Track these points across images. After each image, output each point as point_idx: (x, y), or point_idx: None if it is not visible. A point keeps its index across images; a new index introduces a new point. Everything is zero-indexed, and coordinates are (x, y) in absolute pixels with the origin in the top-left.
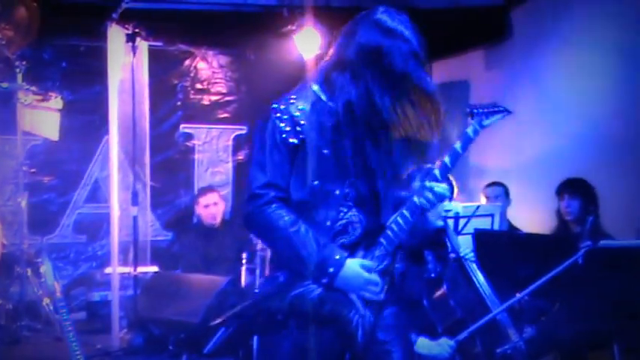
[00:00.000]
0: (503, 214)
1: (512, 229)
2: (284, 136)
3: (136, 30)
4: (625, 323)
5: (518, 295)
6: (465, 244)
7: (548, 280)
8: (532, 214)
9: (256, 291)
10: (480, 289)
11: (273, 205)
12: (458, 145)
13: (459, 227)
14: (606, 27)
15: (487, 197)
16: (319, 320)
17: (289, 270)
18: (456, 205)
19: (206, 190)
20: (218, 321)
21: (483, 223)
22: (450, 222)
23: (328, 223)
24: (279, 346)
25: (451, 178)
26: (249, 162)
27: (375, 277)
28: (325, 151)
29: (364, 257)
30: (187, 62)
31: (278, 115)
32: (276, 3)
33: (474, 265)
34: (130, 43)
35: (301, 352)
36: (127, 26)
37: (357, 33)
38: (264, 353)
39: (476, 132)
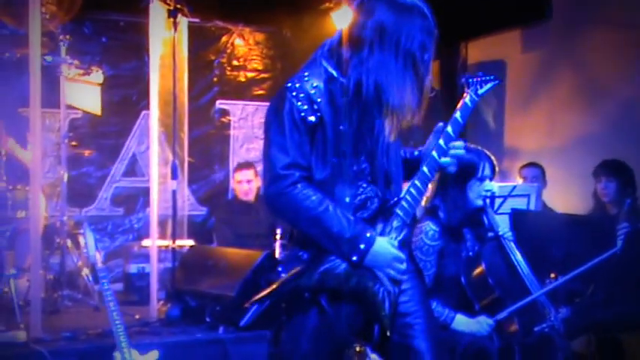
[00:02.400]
0: (538, 195)
1: (547, 210)
2: (302, 114)
3: (178, 6)
4: None
5: (555, 277)
6: (503, 224)
7: (584, 263)
8: (567, 196)
9: (279, 269)
10: (518, 268)
11: (299, 185)
12: (458, 114)
13: (495, 206)
14: None
15: (524, 178)
16: (347, 295)
17: (312, 247)
18: (493, 185)
19: (242, 166)
20: (248, 304)
21: (519, 204)
22: (487, 201)
23: (347, 200)
24: (306, 323)
25: (492, 158)
26: (267, 143)
27: (402, 254)
28: (341, 128)
29: (383, 229)
30: (224, 39)
31: (294, 94)
32: None
33: (512, 244)
34: (172, 19)
35: (329, 327)
36: (168, 2)
37: (374, 11)
38: (292, 330)
39: (473, 101)
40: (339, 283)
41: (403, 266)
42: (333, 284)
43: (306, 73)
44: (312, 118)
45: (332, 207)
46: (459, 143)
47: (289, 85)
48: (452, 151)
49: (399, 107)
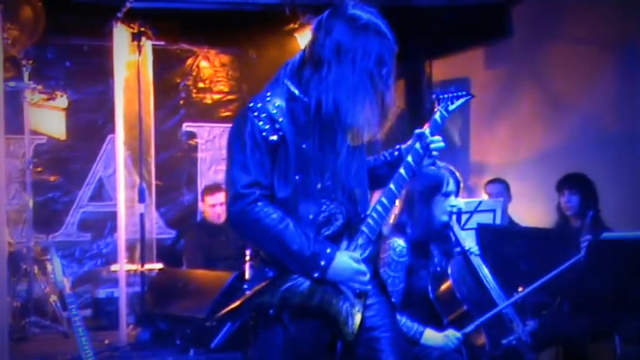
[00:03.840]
0: (504, 210)
1: (513, 225)
2: (264, 134)
3: (142, 29)
4: (626, 314)
5: (523, 290)
6: (469, 239)
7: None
8: (532, 210)
9: (245, 287)
10: (485, 282)
11: (260, 204)
12: (427, 131)
13: (462, 222)
14: (607, 24)
15: (489, 194)
16: (310, 312)
17: (277, 265)
18: (459, 201)
19: (214, 189)
20: (210, 319)
21: (485, 219)
22: (453, 217)
23: (311, 217)
24: (272, 340)
25: (457, 174)
26: (229, 162)
27: (363, 267)
28: (304, 146)
29: (348, 246)
30: (189, 61)
31: (256, 113)
32: (278, 1)
33: (479, 259)
34: (136, 42)
35: (294, 344)
36: (132, 25)
37: (332, 30)
38: (259, 348)
39: (443, 117)
40: (302, 301)
41: (366, 278)
42: (296, 301)
43: (268, 93)
44: (274, 138)
45: (292, 225)
46: (438, 138)
47: (251, 105)
48: (433, 145)
49: (357, 124)
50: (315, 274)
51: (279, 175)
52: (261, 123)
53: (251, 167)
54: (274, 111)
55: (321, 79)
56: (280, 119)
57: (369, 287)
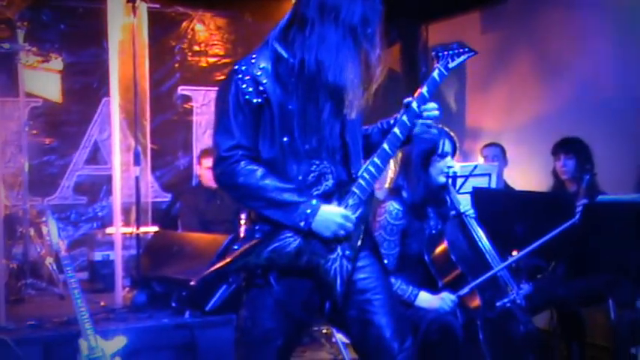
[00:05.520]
0: (500, 174)
1: (508, 189)
2: (247, 97)
3: None
4: (620, 278)
5: (518, 254)
6: (465, 202)
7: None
8: (528, 175)
9: (235, 248)
10: (480, 245)
11: (242, 163)
12: (425, 89)
13: (457, 186)
14: None
15: (484, 157)
16: (297, 272)
17: (267, 226)
18: (454, 164)
19: (211, 152)
20: (197, 280)
21: (480, 183)
22: (449, 180)
23: (300, 177)
24: (261, 301)
25: (452, 134)
26: (214, 126)
27: (348, 212)
28: (290, 107)
29: (338, 206)
30: (185, 24)
31: (239, 76)
32: None
33: (474, 222)
34: (131, 4)
35: (282, 304)
36: None
37: None
38: (249, 308)
39: (442, 75)
40: (288, 262)
41: (352, 220)
42: (283, 262)
43: (254, 55)
44: (258, 100)
45: (276, 179)
46: (432, 105)
47: (236, 67)
48: (426, 113)
49: (340, 82)
50: (302, 224)
51: (264, 137)
52: (244, 86)
53: (234, 131)
54: (259, 73)
55: (304, 38)
56: (264, 81)
57: (350, 226)
